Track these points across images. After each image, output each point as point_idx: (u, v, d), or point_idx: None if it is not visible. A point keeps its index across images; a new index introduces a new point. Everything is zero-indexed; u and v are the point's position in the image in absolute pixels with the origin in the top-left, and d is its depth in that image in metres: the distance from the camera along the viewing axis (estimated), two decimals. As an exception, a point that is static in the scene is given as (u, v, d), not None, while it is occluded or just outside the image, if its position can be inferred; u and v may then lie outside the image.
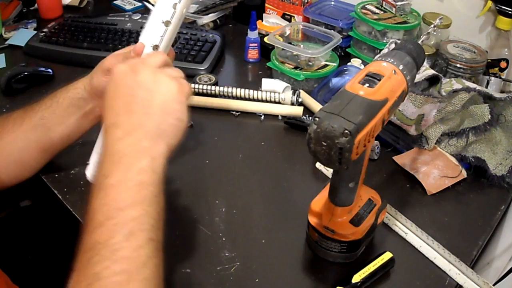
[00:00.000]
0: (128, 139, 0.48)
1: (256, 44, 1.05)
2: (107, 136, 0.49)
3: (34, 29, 1.15)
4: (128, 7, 1.30)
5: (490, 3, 0.90)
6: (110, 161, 0.47)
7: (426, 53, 0.64)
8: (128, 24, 1.11)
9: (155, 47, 0.58)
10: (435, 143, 0.77)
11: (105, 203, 0.44)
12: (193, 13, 1.20)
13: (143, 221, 0.44)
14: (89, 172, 0.65)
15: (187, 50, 1.04)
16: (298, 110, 0.88)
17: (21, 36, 1.11)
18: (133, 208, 0.44)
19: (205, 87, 0.93)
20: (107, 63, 0.62)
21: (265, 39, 1.00)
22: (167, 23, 0.58)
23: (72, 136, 0.67)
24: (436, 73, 0.77)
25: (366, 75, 0.51)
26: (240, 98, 0.92)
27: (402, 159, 0.77)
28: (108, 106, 0.51)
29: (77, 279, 0.41)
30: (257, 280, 0.59)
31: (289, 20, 1.13)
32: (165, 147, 0.49)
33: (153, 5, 1.24)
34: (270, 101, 0.92)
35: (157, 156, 0.48)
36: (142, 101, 0.50)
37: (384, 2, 1.02)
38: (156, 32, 0.58)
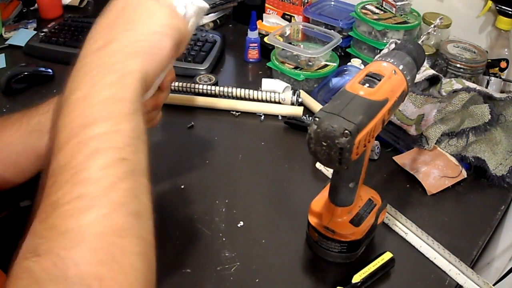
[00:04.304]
0: (100, 53, 0.42)
1: (256, 44, 1.05)
2: (82, 49, 0.43)
3: (34, 29, 1.15)
4: (128, 7, 1.30)
5: (490, 3, 0.90)
6: (78, 75, 0.41)
7: (426, 53, 0.64)
8: (128, 24, 1.10)
9: None
10: (435, 143, 0.77)
11: (68, 121, 0.39)
12: (193, 13, 1.20)
13: (112, 139, 0.38)
14: None
15: (187, 50, 1.04)
16: (298, 110, 0.88)
17: (21, 36, 1.11)
18: (100, 125, 0.38)
19: (205, 87, 0.93)
20: None
21: (265, 39, 1.00)
22: None
23: None
24: (436, 73, 0.77)
25: (366, 75, 0.51)
26: (240, 98, 0.92)
27: (402, 159, 0.77)
28: (93, 26, 0.45)
29: (38, 215, 0.35)
30: (257, 280, 0.59)
31: (289, 20, 1.13)
32: (139, 65, 0.43)
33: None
34: (270, 101, 0.92)
35: (128, 73, 0.42)
36: (127, 17, 0.45)
37: (384, 2, 1.02)
38: None
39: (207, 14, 1.19)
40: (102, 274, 0.32)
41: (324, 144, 0.46)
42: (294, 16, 1.13)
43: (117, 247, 0.34)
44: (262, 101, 0.92)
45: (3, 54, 1.06)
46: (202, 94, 0.93)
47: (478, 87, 0.75)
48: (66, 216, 0.34)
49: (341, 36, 0.99)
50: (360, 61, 1.00)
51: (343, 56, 1.06)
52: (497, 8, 0.89)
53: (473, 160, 0.76)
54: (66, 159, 0.36)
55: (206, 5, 0.53)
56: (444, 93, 0.74)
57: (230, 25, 1.24)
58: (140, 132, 0.41)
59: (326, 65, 0.97)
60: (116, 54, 0.42)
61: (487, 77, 0.91)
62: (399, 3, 1.00)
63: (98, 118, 0.38)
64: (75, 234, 0.33)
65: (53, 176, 0.36)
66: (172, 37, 0.46)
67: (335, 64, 0.97)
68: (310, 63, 0.96)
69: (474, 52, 0.89)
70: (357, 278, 0.56)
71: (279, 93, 0.92)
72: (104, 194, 0.35)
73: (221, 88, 0.93)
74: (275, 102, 0.92)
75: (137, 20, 0.45)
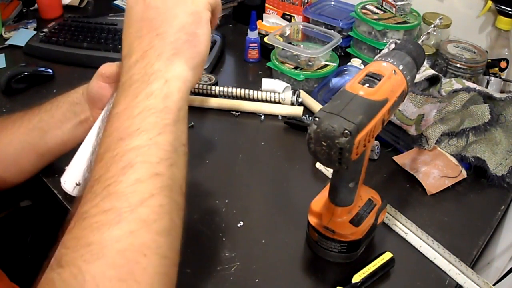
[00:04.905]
0: (139, 65, 0.42)
1: (256, 44, 1.05)
2: (121, 69, 0.44)
3: (34, 29, 1.16)
4: (128, 7, 1.30)
5: (490, 3, 0.90)
6: (120, 91, 0.42)
7: (426, 53, 0.64)
8: (128, 24, 1.10)
9: None
10: (435, 143, 0.77)
11: (108, 134, 0.39)
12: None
13: (147, 152, 0.37)
14: (63, 178, 0.64)
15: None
16: (298, 110, 0.88)
17: (21, 36, 1.11)
18: (136, 137, 0.38)
19: (205, 87, 0.93)
20: (103, 69, 0.62)
21: (265, 39, 1.00)
22: None
23: (68, 143, 0.66)
24: (436, 73, 0.77)
25: (366, 75, 0.51)
26: (240, 98, 0.92)
27: (402, 159, 0.77)
28: (123, 40, 0.45)
29: (69, 224, 0.36)
30: (257, 280, 0.59)
31: (289, 20, 1.13)
32: (183, 68, 0.42)
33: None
34: (270, 101, 0.92)
35: (172, 79, 0.41)
36: (152, 22, 0.43)
37: (384, 2, 1.02)
38: None
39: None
40: None
41: (324, 144, 0.46)
42: (294, 16, 1.13)
43: (139, 265, 0.34)
44: (262, 101, 0.92)
45: (3, 54, 1.06)
46: (202, 94, 0.93)
47: (478, 87, 0.75)
48: (92, 228, 0.34)
49: (341, 36, 0.99)
50: (360, 61, 1.00)
51: (343, 56, 1.06)
52: (497, 8, 0.89)
53: (473, 160, 0.76)
54: (101, 171, 0.37)
55: None
56: (444, 93, 0.74)
57: (230, 25, 1.24)
58: (180, 144, 0.41)
59: (326, 65, 0.97)
60: (155, 62, 0.41)
61: (487, 77, 0.91)
62: (399, 3, 1.00)
63: (136, 131, 0.38)
64: (98, 248, 0.33)
65: (88, 188, 0.37)
66: (204, 18, 0.45)
67: (335, 64, 0.97)
68: (310, 63, 0.96)
69: (474, 52, 0.89)
70: (357, 278, 0.56)
71: (279, 93, 0.92)
72: (133, 210, 0.35)
73: (221, 88, 0.93)
74: (275, 102, 0.92)
75: (163, 20, 0.43)
